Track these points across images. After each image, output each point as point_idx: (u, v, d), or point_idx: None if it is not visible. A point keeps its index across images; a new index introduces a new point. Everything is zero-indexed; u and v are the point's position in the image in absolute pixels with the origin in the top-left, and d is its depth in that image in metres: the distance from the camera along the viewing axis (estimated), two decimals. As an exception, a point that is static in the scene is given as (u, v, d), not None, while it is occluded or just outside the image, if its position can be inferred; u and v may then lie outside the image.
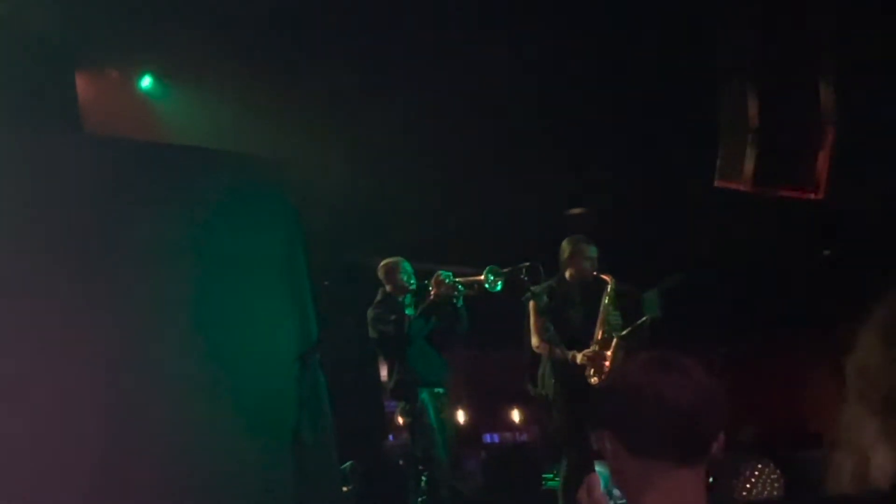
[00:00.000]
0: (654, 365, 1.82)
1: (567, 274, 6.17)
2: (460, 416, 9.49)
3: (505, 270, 6.41)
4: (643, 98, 7.33)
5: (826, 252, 9.25)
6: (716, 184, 7.38)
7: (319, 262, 7.16)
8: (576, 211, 9.11)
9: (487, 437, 9.33)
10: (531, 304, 6.13)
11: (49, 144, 5.56)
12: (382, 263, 6.52)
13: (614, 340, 6.04)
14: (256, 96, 6.91)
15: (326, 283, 7.49)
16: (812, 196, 7.13)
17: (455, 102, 7.20)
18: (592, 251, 6.17)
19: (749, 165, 7.31)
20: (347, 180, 7.56)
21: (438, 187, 8.06)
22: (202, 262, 5.94)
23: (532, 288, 6.14)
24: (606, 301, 6.09)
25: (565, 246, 6.21)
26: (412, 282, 6.42)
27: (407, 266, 6.49)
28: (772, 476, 6.22)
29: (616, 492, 1.98)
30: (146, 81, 6.97)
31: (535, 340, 6.10)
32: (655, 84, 7.23)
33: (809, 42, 7.16)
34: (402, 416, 6.41)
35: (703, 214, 8.10)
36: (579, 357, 5.95)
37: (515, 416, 9.40)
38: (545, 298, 6.08)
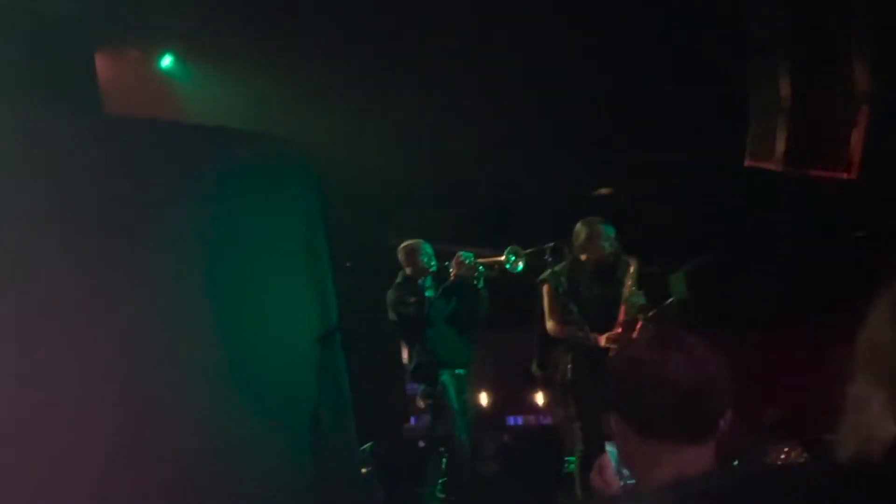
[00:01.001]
0: (656, 344, 1.82)
1: (583, 256, 6.03)
2: (484, 399, 9.47)
3: (529, 251, 6.33)
4: (673, 76, 7.20)
5: (858, 234, 9.07)
6: (746, 163, 7.24)
7: (341, 243, 7.13)
8: (603, 191, 9.01)
9: (511, 420, 9.31)
10: (545, 287, 6.02)
11: (68, 125, 5.56)
12: (402, 245, 6.47)
13: (639, 322, 5.93)
14: (278, 76, 6.87)
15: (348, 264, 7.46)
16: (844, 176, 6.98)
17: (482, 81, 7.12)
18: (609, 231, 6.02)
19: (780, 145, 7.17)
20: (371, 160, 7.51)
21: (463, 167, 7.99)
22: (221, 243, 5.94)
23: (545, 272, 6.04)
24: (629, 282, 5.96)
25: (580, 228, 6.05)
26: (433, 264, 6.36)
27: (427, 248, 6.42)
28: (799, 459, 6.12)
29: (626, 471, 1.96)
30: (167, 61, 6.95)
31: (550, 324, 5.98)
32: (686, 61, 7.10)
33: (842, 19, 6.99)
34: (423, 399, 6.38)
35: (732, 194, 7.96)
36: (603, 340, 5.83)
37: (539, 398, 9.35)
38: (562, 281, 5.97)
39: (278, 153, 6.49)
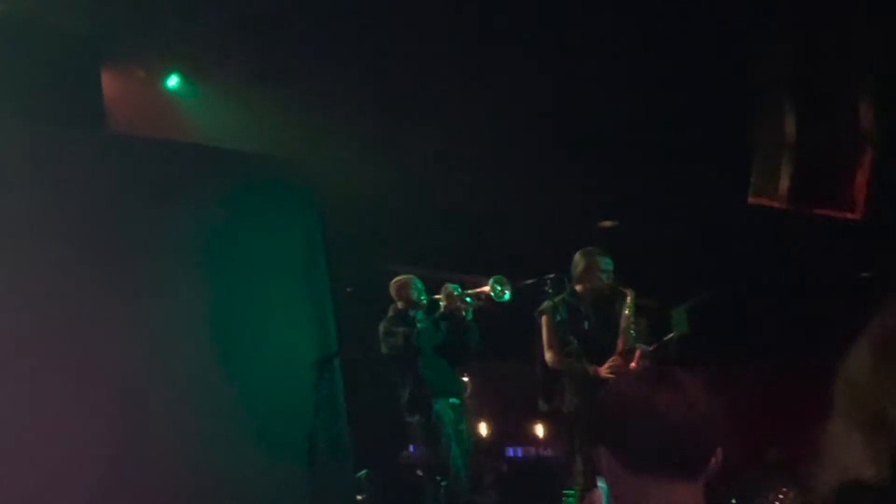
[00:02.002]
0: (648, 380, 1.80)
1: (580, 287, 6.05)
2: (483, 429, 9.41)
3: (530, 282, 6.35)
4: (679, 112, 7.22)
5: (864, 274, 9.05)
6: (750, 200, 7.24)
7: (342, 268, 7.13)
8: (606, 223, 9.00)
9: (510, 451, 9.26)
10: (544, 318, 6.02)
11: (73, 142, 5.59)
12: (394, 280, 6.55)
13: (637, 352, 5.92)
14: (282, 98, 6.90)
15: (349, 289, 7.46)
16: (849, 216, 6.97)
17: (488, 111, 7.14)
18: (607, 263, 6.03)
19: (784, 182, 7.17)
20: (374, 184, 7.52)
21: (468, 195, 8.00)
22: (221, 264, 5.95)
23: (544, 303, 6.05)
24: (627, 312, 5.96)
25: (578, 259, 6.07)
26: (423, 298, 6.44)
27: (418, 283, 6.52)
28: (796, 500, 6.07)
29: None
30: (173, 80, 6.99)
31: (549, 356, 5.98)
32: (692, 97, 7.12)
33: (848, 58, 7.02)
34: (418, 428, 6.38)
35: (735, 231, 7.95)
36: (603, 371, 5.81)
37: (539, 430, 9.30)
38: (558, 314, 5.97)
39: (280, 176, 6.52)
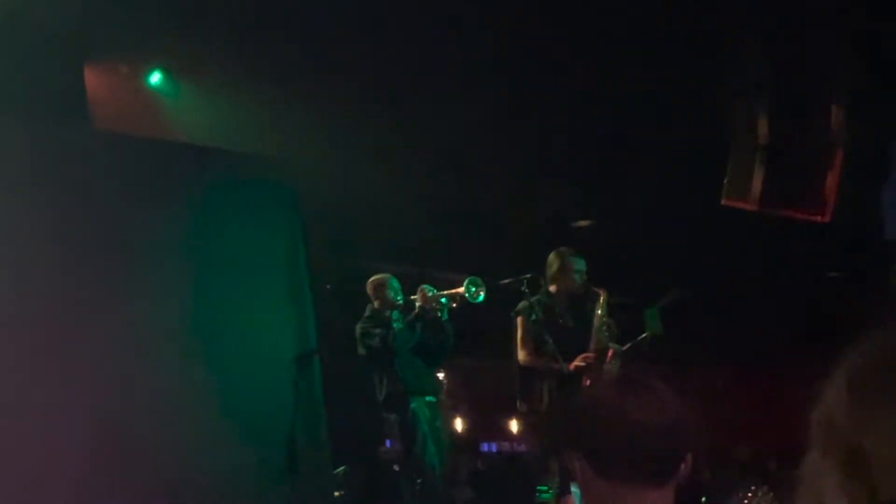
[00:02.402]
0: (621, 386, 1.84)
1: (554, 288, 6.14)
2: (459, 425, 9.51)
3: (506, 281, 6.44)
4: (655, 115, 7.33)
5: (833, 274, 9.22)
6: (723, 202, 7.36)
7: (322, 265, 7.18)
8: (582, 223, 9.11)
9: (485, 446, 9.36)
10: (519, 319, 6.11)
11: (54, 138, 5.58)
12: (371, 280, 6.61)
13: (610, 350, 6.02)
14: (263, 96, 6.92)
15: (328, 286, 7.51)
16: (818, 219, 7.11)
17: (467, 112, 7.21)
18: (581, 264, 6.14)
19: (756, 185, 7.30)
20: (355, 182, 7.57)
21: (446, 195, 8.07)
22: (202, 261, 5.97)
23: (519, 304, 6.14)
24: (599, 312, 6.06)
25: (552, 260, 6.17)
26: (399, 298, 6.49)
27: (395, 283, 6.58)
28: (765, 498, 6.20)
29: None
30: (155, 77, 6.98)
31: (522, 355, 6.07)
32: (667, 101, 7.23)
33: (821, 64, 7.15)
34: (395, 426, 6.46)
35: (709, 231, 8.08)
36: (573, 365, 5.91)
37: (514, 426, 9.41)
38: (533, 314, 6.06)
39: (261, 174, 6.54)
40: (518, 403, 6.28)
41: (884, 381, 0.68)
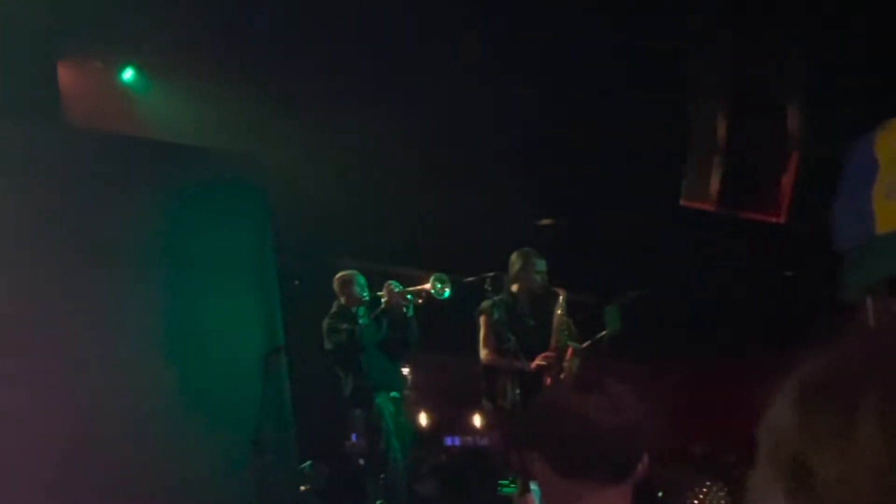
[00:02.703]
0: (579, 387, 1.89)
1: (516, 287, 6.27)
2: (423, 419, 9.62)
3: (470, 279, 6.54)
4: (615, 115, 7.47)
5: (788, 273, 9.43)
6: (681, 202, 7.54)
7: (290, 261, 7.24)
8: (546, 221, 9.23)
9: (449, 440, 9.48)
10: (482, 318, 6.22)
11: (26, 135, 5.59)
12: (338, 276, 6.66)
13: (569, 349, 6.16)
14: (235, 93, 6.96)
15: (296, 282, 7.57)
16: (774, 220, 7.30)
17: (433, 111, 7.30)
18: (541, 265, 6.27)
19: (714, 186, 7.48)
20: (323, 179, 7.63)
21: (412, 193, 8.15)
22: (170, 257, 6.01)
23: (483, 303, 6.26)
24: (559, 311, 6.20)
25: (515, 259, 6.29)
26: (365, 294, 6.56)
27: (361, 279, 6.64)
28: (720, 493, 6.36)
29: None
30: (128, 74, 6.97)
31: (484, 353, 6.18)
32: (628, 103, 7.37)
33: (778, 67, 7.34)
34: (360, 421, 6.55)
35: (668, 231, 8.25)
36: (534, 363, 6.05)
37: (477, 420, 9.54)
38: (496, 313, 6.17)
39: (230, 171, 6.59)
40: (483, 401, 6.39)
41: (830, 399, 0.68)
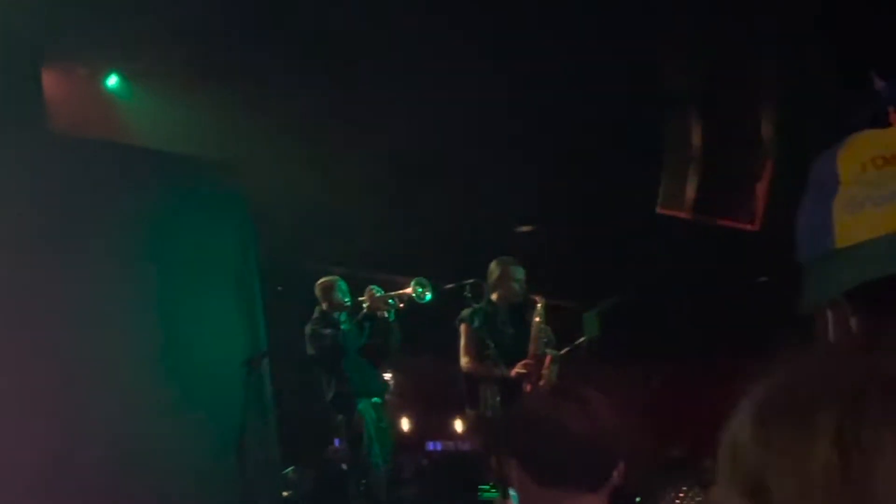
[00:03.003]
0: (556, 396, 1.95)
1: (495, 296, 6.35)
2: (405, 424, 9.67)
3: (450, 286, 6.62)
4: (592, 123, 7.56)
5: (763, 279, 9.56)
6: (658, 210, 7.64)
7: (272, 267, 7.28)
8: (525, 228, 9.32)
9: (430, 445, 9.52)
10: (462, 326, 6.30)
11: (6, 141, 5.59)
12: (319, 282, 6.71)
13: (548, 356, 6.25)
14: (216, 100, 6.99)
15: (279, 288, 7.61)
16: (748, 227, 7.42)
17: (414, 117, 7.37)
18: (519, 273, 6.35)
19: (690, 194, 7.60)
20: (305, 186, 7.68)
21: (393, 198, 8.21)
22: (153, 263, 6.03)
23: (464, 311, 6.33)
24: (538, 319, 6.29)
25: (493, 268, 6.37)
26: (347, 300, 6.62)
27: (342, 285, 6.69)
28: (696, 498, 6.44)
29: None
30: (112, 80, 6.98)
31: (464, 361, 6.26)
32: (605, 112, 7.47)
33: (752, 76, 7.47)
34: (342, 427, 6.59)
35: (644, 237, 8.35)
36: (514, 371, 6.13)
37: (458, 425, 9.59)
38: (476, 321, 6.25)
39: (212, 177, 6.63)
40: (466, 410, 6.47)
41: (787, 416, 0.68)
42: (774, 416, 0.68)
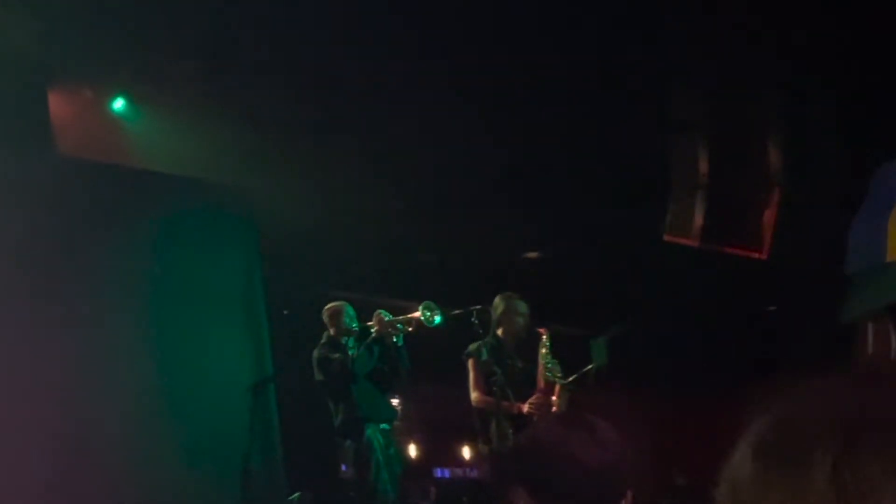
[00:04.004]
0: (564, 424, 1.94)
1: (500, 330, 6.37)
2: (413, 451, 9.62)
3: (456, 312, 6.60)
4: (602, 151, 7.58)
5: (772, 308, 9.53)
6: (665, 237, 7.65)
7: (279, 291, 7.28)
8: (532, 255, 9.32)
9: (438, 472, 9.47)
10: (470, 361, 6.29)
11: (13, 164, 5.61)
12: (327, 307, 6.69)
13: (557, 386, 6.25)
14: (225, 124, 7.02)
15: (285, 312, 7.61)
16: (756, 256, 7.41)
17: (423, 144, 7.40)
18: (523, 307, 6.39)
19: (697, 222, 7.60)
20: (312, 210, 7.69)
21: (401, 224, 8.22)
22: (160, 287, 6.03)
23: (471, 345, 6.33)
24: (544, 351, 6.30)
25: (498, 303, 6.41)
26: (354, 325, 6.60)
27: (350, 310, 6.67)
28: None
29: None
30: (119, 103, 7.01)
31: (475, 396, 6.25)
32: (613, 139, 7.49)
33: (760, 103, 7.49)
34: (350, 452, 6.56)
35: (653, 265, 8.35)
36: (525, 407, 6.13)
37: (467, 452, 9.54)
38: (484, 354, 6.25)
39: (220, 201, 6.65)
40: (479, 445, 6.45)
41: (786, 453, 0.68)
42: (772, 452, 0.69)
